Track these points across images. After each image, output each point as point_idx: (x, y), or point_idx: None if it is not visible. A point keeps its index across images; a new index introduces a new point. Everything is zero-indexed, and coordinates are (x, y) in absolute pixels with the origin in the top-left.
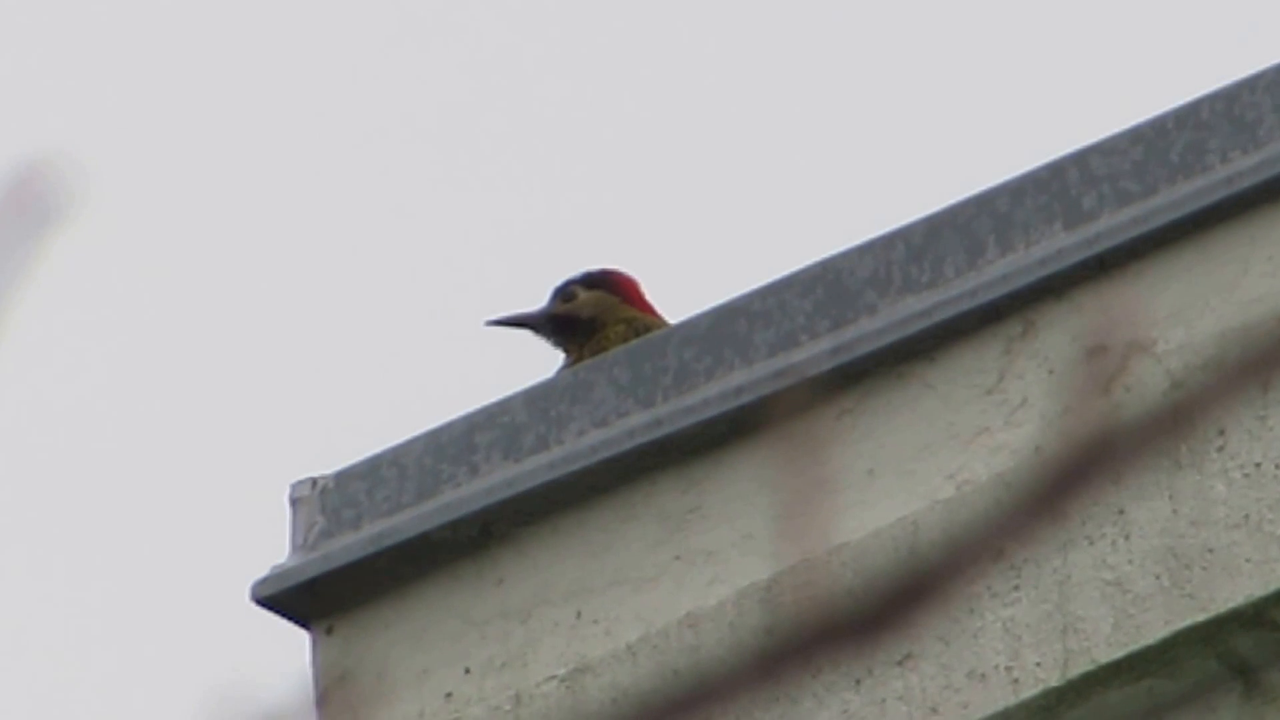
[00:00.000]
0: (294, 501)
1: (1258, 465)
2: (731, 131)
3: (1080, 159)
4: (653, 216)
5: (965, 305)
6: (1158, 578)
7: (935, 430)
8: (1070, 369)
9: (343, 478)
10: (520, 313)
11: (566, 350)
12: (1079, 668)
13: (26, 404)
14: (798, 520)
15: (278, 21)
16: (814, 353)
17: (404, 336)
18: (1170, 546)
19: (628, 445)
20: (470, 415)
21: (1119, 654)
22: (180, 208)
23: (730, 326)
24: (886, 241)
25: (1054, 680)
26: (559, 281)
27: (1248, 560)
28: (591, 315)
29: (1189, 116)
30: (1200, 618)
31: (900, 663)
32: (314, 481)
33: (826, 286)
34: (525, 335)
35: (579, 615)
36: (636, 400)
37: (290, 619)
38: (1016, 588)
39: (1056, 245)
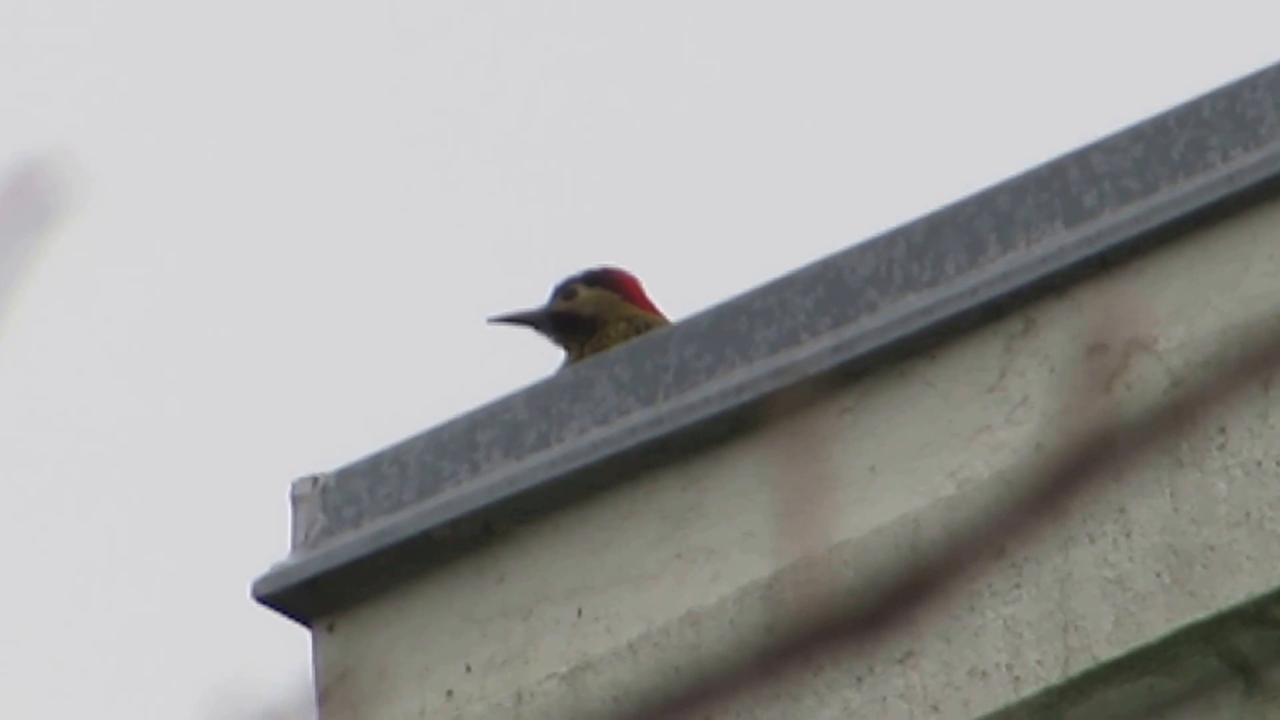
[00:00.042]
0: (295, 499)
1: (1259, 463)
2: (732, 130)
3: (1081, 157)
4: (654, 215)
5: (966, 303)
6: (1159, 575)
7: (936, 428)
8: (1071, 367)
9: (344, 475)
10: (521, 310)
11: (568, 348)
12: (1080, 665)
13: (28, 402)
14: (799, 518)
15: (279, 20)
16: (815, 350)
17: (405, 334)
18: (1171, 544)
19: (629, 443)
20: (471, 413)
21: (1120, 652)
22: (181, 206)
23: (731, 324)
24: (887, 239)
25: (1055, 678)
26: (560, 279)
27: (1249, 558)
28: (593, 313)
29: (1190, 114)
30: (1201, 615)
31: (901, 660)
32: (315, 479)
33: (827, 284)
34: (526, 333)
35: (580, 613)
36: (638, 398)
37: (291, 617)
38: (1018, 585)
39: (1057, 243)
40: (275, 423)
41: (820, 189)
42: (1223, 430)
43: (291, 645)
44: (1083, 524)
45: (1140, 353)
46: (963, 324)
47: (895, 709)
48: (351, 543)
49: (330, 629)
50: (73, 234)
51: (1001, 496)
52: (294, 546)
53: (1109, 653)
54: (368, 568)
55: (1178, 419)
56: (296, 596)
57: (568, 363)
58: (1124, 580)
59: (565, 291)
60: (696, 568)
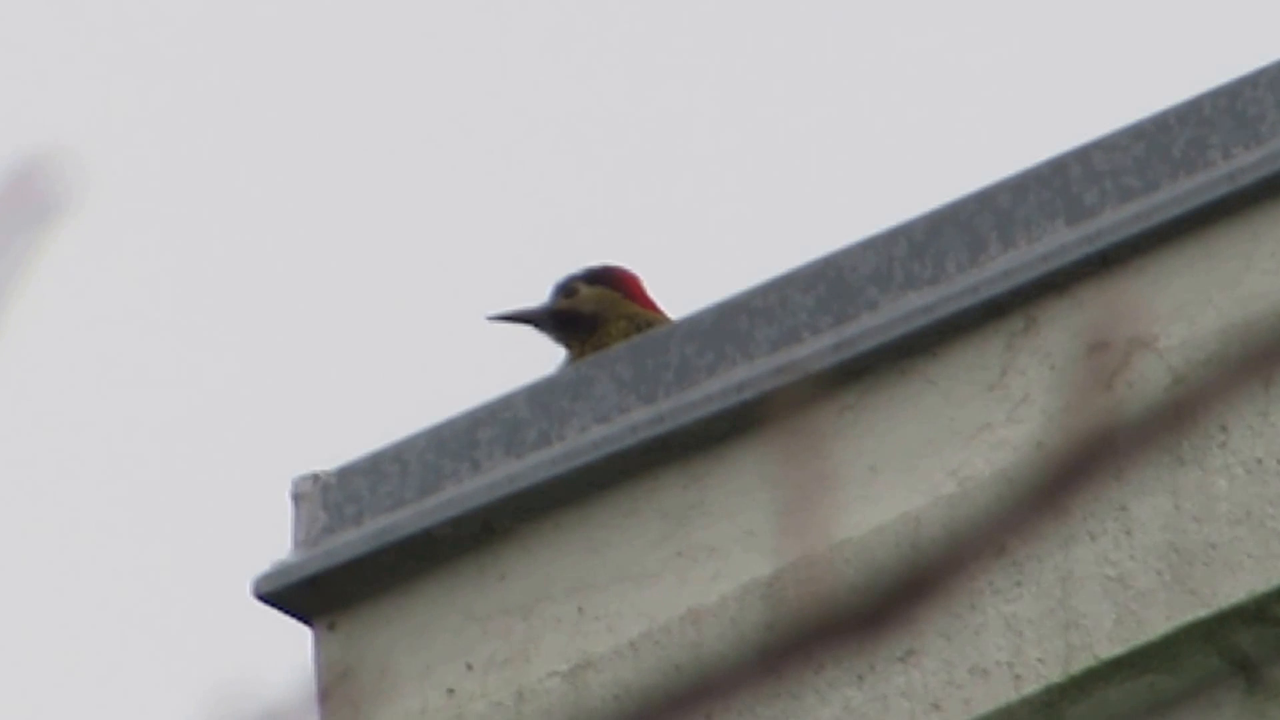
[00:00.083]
0: (296, 497)
1: (1259, 461)
2: (733, 128)
3: (1082, 155)
4: (655, 213)
5: (967, 301)
6: (1160, 573)
7: (937, 426)
8: (1072, 365)
9: (345, 473)
10: (522, 308)
11: (568, 346)
12: (1081, 663)
13: (28, 400)
14: (799, 516)
15: (280, 17)
16: (816, 348)
17: (406, 332)
18: (1172, 542)
19: (630, 441)
20: (472, 411)
21: (1121, 650)
22: (182, 203)
23: (732, 322)
24: (888, 237)
25: (1056, 676)
26: (561, 277)
27: (1250, 556)
28: (593, 311)
29: (1191, 112)
30: (1202, 613)
31: (902, 659)
32: (316, 477)
33: (828, 282)
34: (527, 331)
35: (581, 611)
36: (638, 396)
37: (292, 615)
38: (1018, 583)
39: (1058, 241)
40: (276, 421)
41: (821, 187)
42: (1224, 428)
43: (292, 643)
44: (1084, 522)
45: (1141, 351)
46: (964, 322)
47: (896, 707)
48: (352, 541)
49: (331, 627)
50: (73, 232)
51: (1003, 494)
52: (295, 544)
53: (1110, 651)
54: (369, 566)
55: (1179, 417)
56: (297, 594)
57: (568, 361)
58: (1125, 578)
59: (566, 289)
60: (698, 566)
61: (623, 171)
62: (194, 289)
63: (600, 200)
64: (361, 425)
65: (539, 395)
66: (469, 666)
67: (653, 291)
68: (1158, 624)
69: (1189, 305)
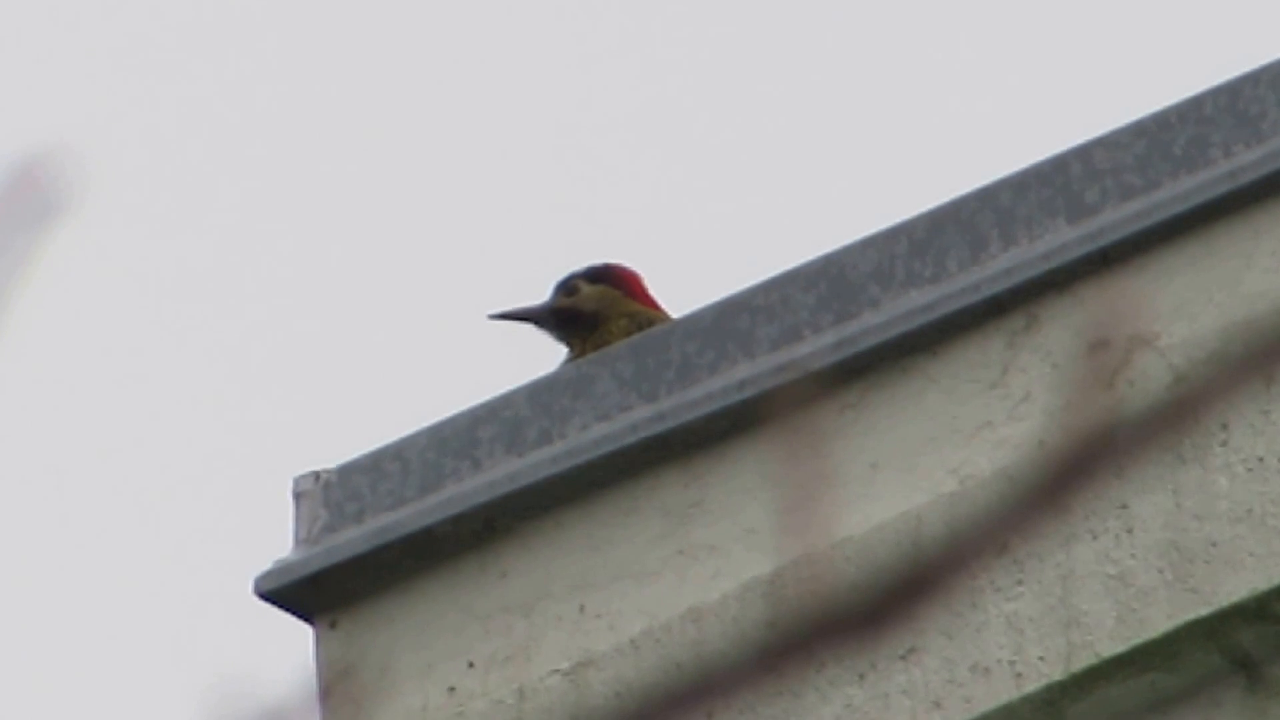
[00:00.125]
0: (297, 495)
1: (1260, 459)
2: (734, 126)
3: (1083, 153)
4: (656, 211)
5: (968, 299)
6: (1161, 572)
7: (938, 424)
8: (1073, 363)
9: (345, 471)
10: (523, 307)
11: (569, 344)
12: (1082, 662)
13: (28, 398)
14: (800, 514)
15: (280, 15)
16: (817, 347)
17: (407, 330)
18: (1173, 540)
19: (630, 439)
20: (473, 409)
21: (1122, 648)
22: (182, 201)
23: (733, 321)
24: (889, 235)
25: (1057, 674)
26: (562, 276)
27: (1251, 554)
28: (594, 309)
29: (1192, 110)
30: (1203, 611)
31: (903, 657)
32: (317, 475)
33: (829, 281)
34: (528, 329)
35: (582, 609)
36: (639, 394)
37: (293, 613)
38: (1019, 582)
39: (1059, 239)
40: (277, 419)
41: (822, 185)
42: (1225, 426)
43: (293, 642)
44: (1085, 520)
45: (1142, 349)
46: (965, 320)
47: (897, 705)
48: (353, 539)
49: (332, 625)
50: (74, 231)
51: (1004, 493)
52: (296, 543)
53: (1111, 649)
54: (370, 564)
55: (1180, 415)
56: (298, 593)
57: (569, 359)
58: (1126, 576)
59: (567, 288)
60: (698, 564)
61: (624, 170)
62: (195, 288)
63: (601, 198)
64: (362, 423)
65: (540, 393)
66: (470, 664)
67: (654, 289)
68: (1159, 622)
69: (1190, 303)
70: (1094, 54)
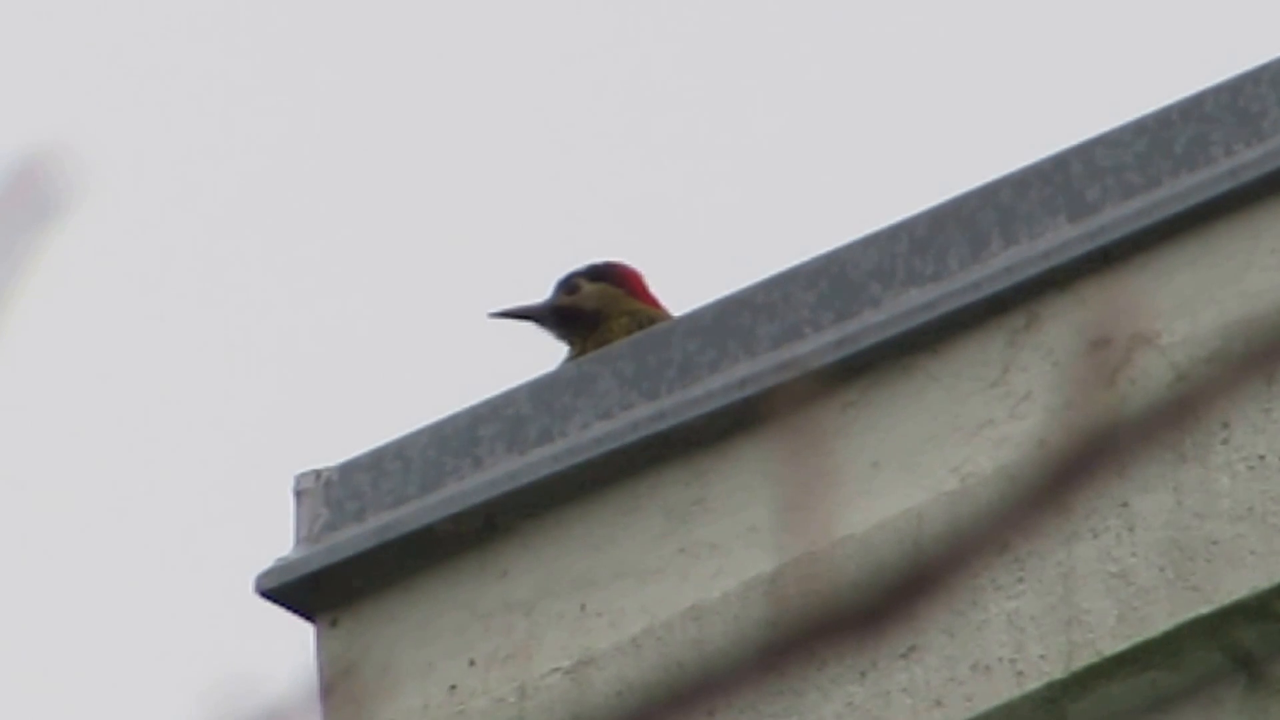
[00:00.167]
0: (298, 494)
1: (1262, 458)
2: (735, 125)
3: (1084, 151)
4: (657, 209)
5: (969, 298)
6: (1162, 570)
7: (939, 423)
8: (1074, 361)
9: (347, 470)
10: (524, 305)
11: (570, 343)
12: (1083, 660)
13: (28, 397)
14: (802, 513)
15: (281, 12)
16: (818, 345)
17: (408, 329)
18: (1174, 539)
19: (632, 438)
20: (474, 408)
21: (1123, 646)
22: (182, 200)
23: (734, 319)
24: (890, 234)
25: (1058, 673)
26: (563, 274)
27: (1252, 552)
28: (595, 308)
29: (1193, 109)
30: (1204, 610)
31: (904, 655)
32: (318, 474)
33: (830, 279)
34: (529, 328)
35: (583, 608)
36: (640, 393)
37: (294, 611)
38: (1020, 580)
39: (1060, 238)
40: (278, 417)
41: (823, 183)
42: (1226, 425)
43: (295, 640)
44: (1086, 518)
45: (1143, 347)
46: (966, 318)
47: (898, 703)
48: (354, 537)
49: (333, 624)
50: (74, 229)
51: (1004, 491)
52: (297, 541)
53: (1112, 647)
54: (371, 562)
55: (1181, 413)
56: (299, 591)
57: (570, 357)
58: (1127, 575)
59: (568, 286)
60: (700, 562)
61: (625, 168)
62: (196, 286)
63: (602, 197)
64: (364, 422)
65: (541, 391)
66: (471, 663)
67: (655, 288)
68: (1160, 620)
69: (1191, 301)
70: (1094, 52)
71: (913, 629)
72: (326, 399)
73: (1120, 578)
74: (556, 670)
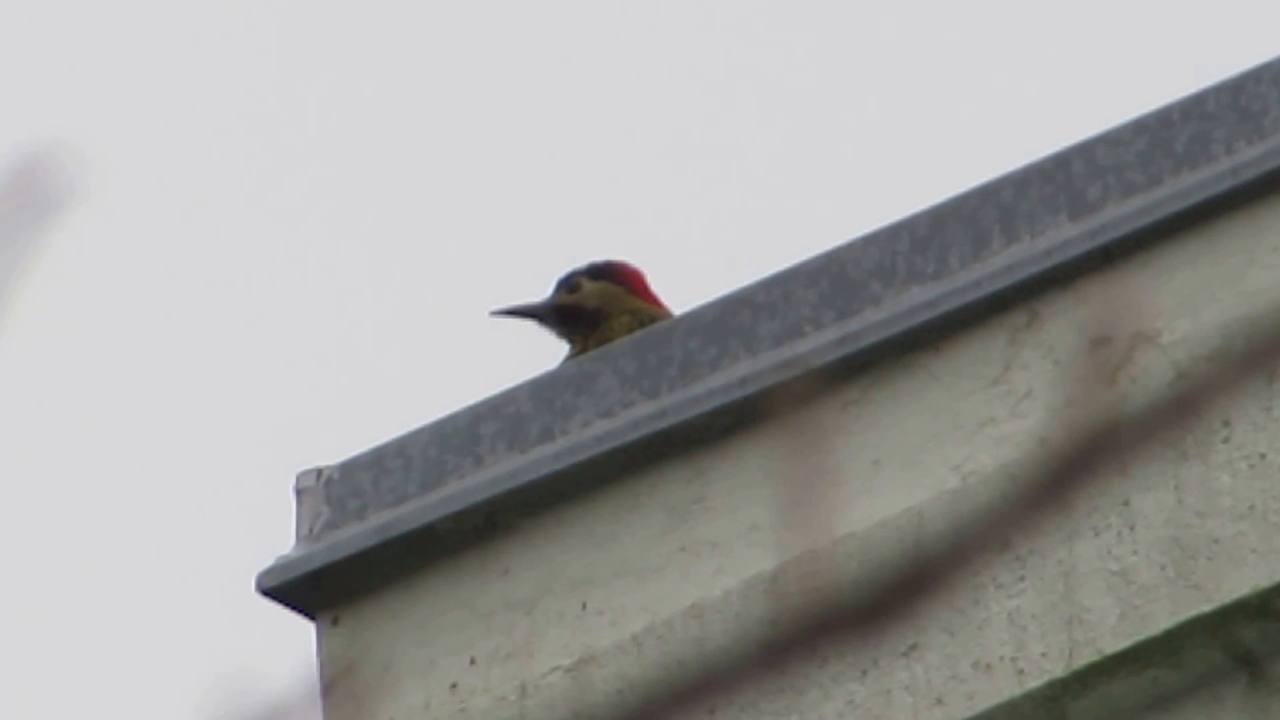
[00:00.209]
0: (299, 492)
1: (1263, 456)
2: (736, 123)
3: (1085, 150)
4: (658, 208)
5: (970, 296)
6: (1163, 568)
7: (940, 421)
8: (1075, 360)
9: (348, 468)
10: (525, 303)
11: (571, 341)
12: (1084, 658)
13: (29, 395)
14: (803, 511)
15: (281, 13)
16: (819, 343)
17: (409, 327)
18: (1175, 537)
19: (633, 436)
20: (475, 406)
21: (1124, 644)
22: (183, 198)
23: (735, 317)
24: (891, 232)
25: (1059, 671)
26: (564, 272)
27: (1253, 551)
28: (596, 306)
29: (1194, 107)
30: (1205, 608)
31: (905, 654)
32: (319, 472)
33: (831, 277)
34: (530, 326)
35: (584, 606)
36: (641, 391)
37: (295, 610)
38: (1021, 578)
39: (1061, 236)
40: (279, 416)
41: (824, 182)
42: (1227, 423)
43: (295, 638)
44: (1087, 517)
45: (1144, 345)
46: (967, 317)
47: (899, 702)
48: (355, 535)
49: (334, 622)
50: (75, 227)
51: (1005, 489)
52: (298, 539)
53: (1113, 645)
54: (372, 560)
55: (1182, 412)
56: (300, 589)
57: (571, 356)
58: (1128, 573)
59: (569, 284)
60: (701, 561)
61: (626, 166)
62: (197, 284)
63: (603, 195)
64: (364, 420)
65: (542, 390)
66: (472, 661)
67: (656, 286)
68: (1161, 619)
69: (1192, 300)
70: (1096, 51)
71: (914, 627)
72: (328, 397)
73: (1121, 576)
74: (557, 668)
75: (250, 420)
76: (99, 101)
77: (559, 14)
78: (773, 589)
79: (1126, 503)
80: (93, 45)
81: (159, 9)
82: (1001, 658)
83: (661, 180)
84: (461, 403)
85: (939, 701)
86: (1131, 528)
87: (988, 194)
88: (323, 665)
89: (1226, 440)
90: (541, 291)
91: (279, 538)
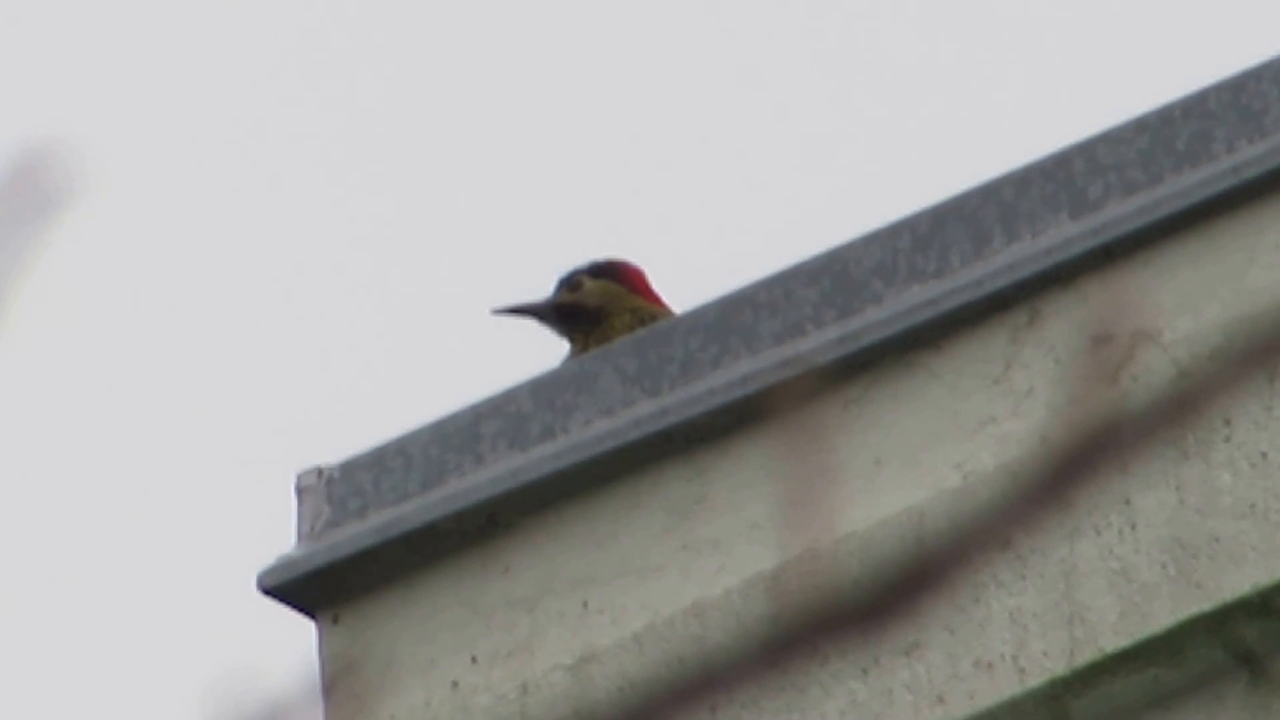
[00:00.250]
0: (300, 491)
1: (1264, 455)
2: (737, 121)
3: (1086, 148)
4: (659, 206)
5: (971, 294)
6: (1164, 567)
7: (941, 420)
8: (1076, 358)
9: (349, 467)
10: (526, 302)
11: (572, 339)
12: (1085, 657)
13: (30, 394)
14: (804, 510)
15: (282, 10)
16: (820, 342)
17: (410, 326)
18: (1176, 536)
19: (634, 435)
20: (476, 405)
21: (1125, 643)
22: (184, 196)
23: (736, 316)
24: (892, 231)
25: (1060, 669)
26: (565, 271)
27: (1254, 549)
28: (597, 305)
29: (1195, 105)
30: (1206, 607)
31: (907, 652)
32: (320, 471)
33: (832, 276)
34: (531, 324)
35: (585, 605)
36: (642, 390)
37: (296, 608)
38: (1023, 577)
39: (1063, 234)
40: (280, 414)
41: (825, 180)
42: (1228, 422)
43: (296, 637)
44: (1088, 515)
45: (1145, 344)
46: (968, 315)
47: (900, 700)
48: (356, 534)
49: (335, 621)
50: (75, 225)
51: (1006, 488)
52: (299, 538)
53: (1114, 644)
54: (373, 559)
55: (1183, 410)
56: (301, 588)
57: (572, 354)
58: (1129, 572)
59: (570, 283)
60: (702, 559)
61: (627, 165)
62: (197, 282)
63: (604, 194)
64: (365, 419)
65: (543, 389)
66: (473, 660)
67: (657, 285)
68: (1162, 617)
69: (1193, 298)
70: (1096, 49)
71: (915, 626)
72: (328, 396)
73: (1122, 574)
74: (558, 667)
75: (251, 419)
76: (99, 100)
77: (560, 14)
78: (774, 587)
79: (1128, 501)
80: (93, 45)
81: (159, 9)
82: (1003, 656)
83: (663, 179)
84: (462, 401)
85: (940, 700)
86: (1133, 526)
87: (989, 192)
88: (324, 664)
89: (1228, 439)
90: (542, 290)
91: (280, 536)
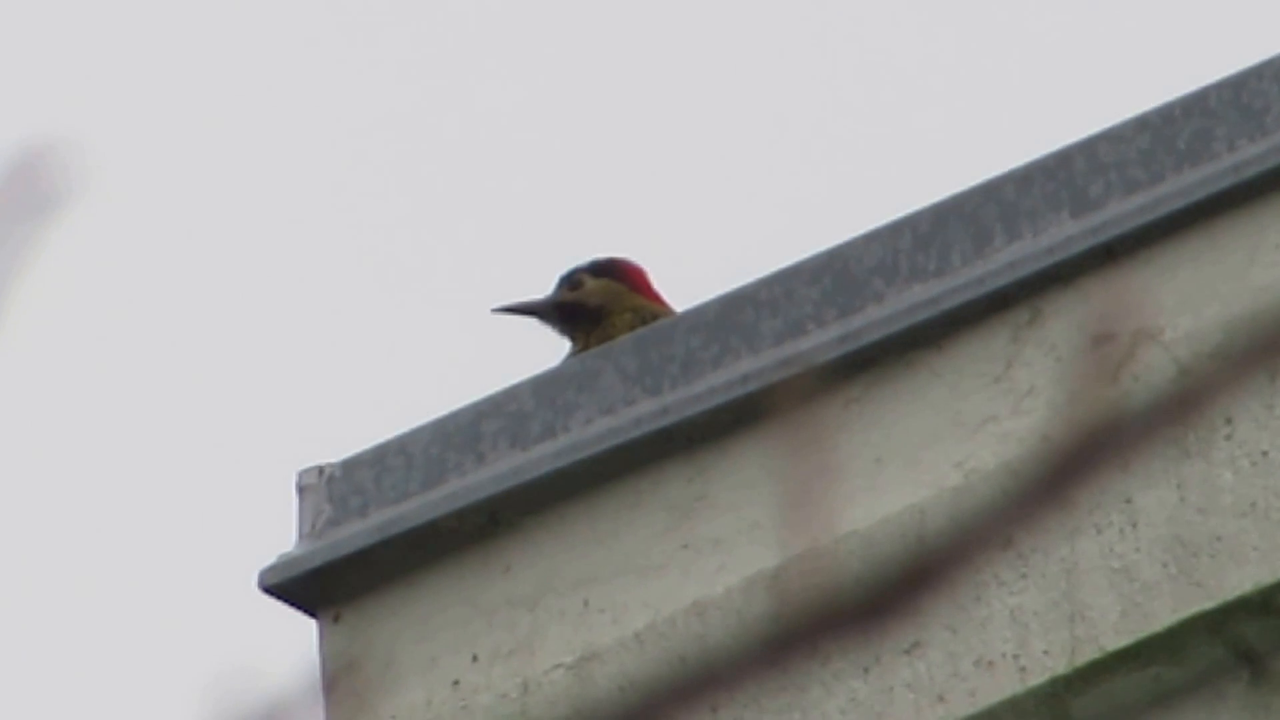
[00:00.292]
0: (301, 489)
1: (1265, 453)
2: (738, 119)
3: (1087, 147)
4: (660, 204)
5: (972, 293)
6: (1165, 565)
7: (942, 418)
8: (1077, 357)
9: (350, 466)
10: (527, 300)
11: (573, 338)
12: (1086, 656)
13: (30, 393)
14: (804, 508)
15: (282, 9)
16: (821, 341)
17: (411, 324)
18: (1177, 534)
19: (635, 433)
20: (477, 403)
21: (1126, 642)
22: (184, 194)
23: (737, 315)
24: (894, 229)
25: (1061, 668)
26: (566, 269)
27: (1255, 548)
28: (598, 303)
29: (1196, 104)
30: (1207, 605)
31: (908, 651)
32: (321, 470)
33: (834, 275)
34: (532, 323)
35: (586, 603)
36: (643, 388)
37: (297, 607)
38: (1024, 576)
39: (1064, 233)
40: (281, 413)
41: (826, 179)
42: (1229, 420)
43: (297, 635)
44: (1089, 514)
45: (1146, 342)
46: (969, 314)
47: (901, 699)
48: (357, 533)
49: (336, 619)
50: (74, 223)
51: (1007, 487)
52: (300, 537)
53: (1115, 642)
54: (373, 558)
55: (1184, 409)
56: (302, 587)
57: (573, 353)
58: (1130, 570)
59: (571, 281)
60: (703, 558)
61: (628, 164)
62: (197, 281)
63: (605, 192)
64: (366, 417)
65: (544, 387)
66: (474, 658)
67: (658, 284)
68: (1163, 616)
69: (1194, 297)
70: (1097, 48)
71: (916, 624)
72: (329, 395)
73: (1123, 573)
74: (559, 666)
75: (252, 417)
76: (98, 100)
77: (561, 14)
78: (775, 586)
79: (1128, 500)
80: (93, 45)
81: (159, 9)
82: (1004, 655)
83: (664, 177)
84: (463, 400)
85: (941, 699)
86: (1133, 525)
87: (990, 191)
88: (324, 662)
89: (1229, 437)
90: (543, 288)
91: (281, 535)
